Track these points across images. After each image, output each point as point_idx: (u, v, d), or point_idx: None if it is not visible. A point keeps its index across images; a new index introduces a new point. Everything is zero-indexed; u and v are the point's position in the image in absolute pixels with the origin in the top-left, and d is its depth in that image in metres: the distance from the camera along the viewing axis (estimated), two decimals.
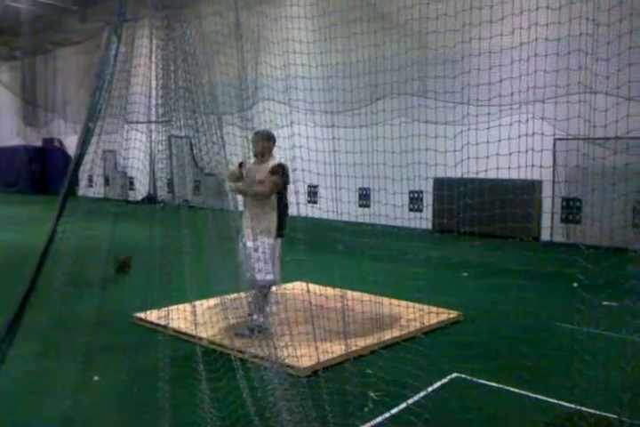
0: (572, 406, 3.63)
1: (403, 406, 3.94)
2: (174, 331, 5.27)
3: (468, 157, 6.12)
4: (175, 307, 5.32)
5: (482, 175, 6.90)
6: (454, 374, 4.57)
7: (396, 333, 5.49)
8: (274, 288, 5.63)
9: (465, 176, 7.88)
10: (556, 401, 4.00)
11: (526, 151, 5.49)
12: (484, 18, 5.45)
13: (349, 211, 10.64)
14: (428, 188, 12.98)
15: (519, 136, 5.67)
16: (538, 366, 4.83)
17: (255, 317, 5.19)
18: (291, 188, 5.62)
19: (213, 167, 5.20)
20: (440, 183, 12.67)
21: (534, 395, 4.16)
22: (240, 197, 5.55)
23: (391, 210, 9.02)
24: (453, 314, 6.19)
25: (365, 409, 3.82)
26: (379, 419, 3.75)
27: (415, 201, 14.06)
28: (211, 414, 3.22)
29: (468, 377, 4.53)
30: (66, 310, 5.38)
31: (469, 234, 10.30)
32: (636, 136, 5.56)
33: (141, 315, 5.91)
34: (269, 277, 5.27)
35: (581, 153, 10.72)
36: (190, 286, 4.29)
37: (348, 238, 9.29)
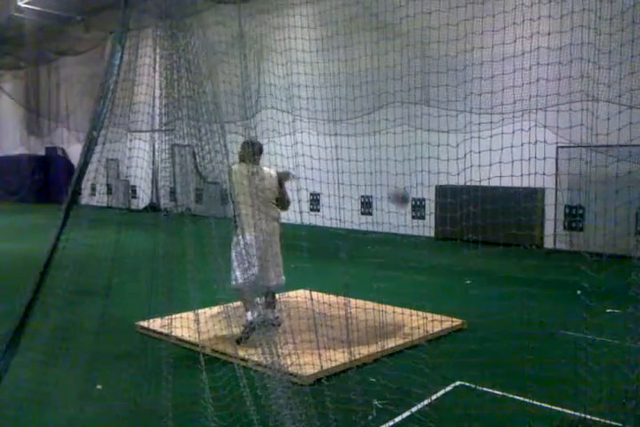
0: (577, 413, 3.61)
1: (406, 414, 3.93)
2: (177, 339, 5.27)
3: (471, 165, 6.13)
4: (178, 315, 5.32)
5: (484, 183, 6.90)
6: (458, 382, 4.55)
7: (399, 341, 5.48)
8: (277, 295, 5.66)
9: (467, 184, 7.88)
10: (560, 409, 3.99)
11: (529, 159, 5.50)
12: (486, 27, 5.49)
13: (352, 219, 10.65)
14: (430, 196, 12.98)
15: (522, 144, 5.68)
16: (542, 373, 4.82)
17: (250, 315, 5.17)
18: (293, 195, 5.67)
19: (216, 176, 5.24)
20: (442, 191, 12.69)
21: (538, 403, 4.13)
22: (244, 203, 5.51)
23: (394, 218, 9.03)
24: (457, 322, 6.17)
25: (369, 418, 3.81)
26: (384, 426, 3.74)
27: (418, 209, 14.05)
28: (214, 423, 3.20)
29: (472, 385, 4.52)
30: (69, 318, 5.38)
31: (472, 242, 10.33)
32: (638, 144, 5.57)
33: (144, 323, 5.91)
34: (283, 278, 5.55)
35: (584, 161, 10.74)
36: (193, 294, 4.30)
37: (351, 246, 9.32)
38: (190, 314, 5.11)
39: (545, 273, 9.10)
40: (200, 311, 5.31)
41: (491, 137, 6.22)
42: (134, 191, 21.54)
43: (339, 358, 4.81)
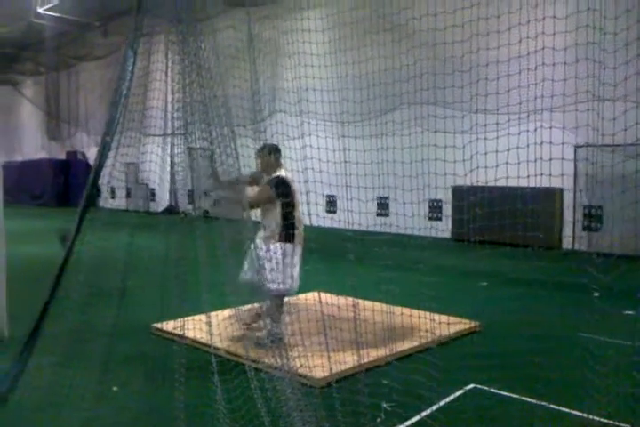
0: (589, 416, 3.59)
1: (417, 417, 3.92)
2: (191, 341, 5.32)
3: (485, 166, 6.11)
4: (191, 318, 5.38)
5: (502, 183, 6.86)
6: (471, 385, 4.54)
7: (412, 343, 5.48)
8: (286, 298, 5.66)
9: (483, 184, 7.84)
10: (571, 411, 3.95)
11: (550, 160, 5.45)
12: (491, 27, 5.48)
13: (368, 220, 10.64)
14: (447, 197, 12.94)
15: (541, 143, 5.63)
16: (555, 376, 4.78)
17: (271, 327, 5.22)
18: (302, 198, 5.65)
19: (232, 178, 5.29)
20: (459, 192, 12.63)
21: (551, 405, 4.11)
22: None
23: (410, 219, 9.00)
24: (471, 324, 6.15)
25: (378, 420, 3.82)
26: None
27: (434, 210, 14.01)
28: (226, 425, 3.24)
29: (485, 388, 4.50)
30: (84, 320, 5.46)
31: (489, 243, 10.25)
32: None
33: (158, 325, 5.97)
34: (282, 286, 5.31)
35: (602, 161, 10.63)
36: (206, 296, 4.34)
37: (366, 248, 9.31)
38: (203, 316, 5.16)
39: (562, 275, 9.02)
40: (212, 314, 5.35)
41: (508, 135, 6.17)
42: (153, 194, 21.76)
43: (349, 360, 4.82)
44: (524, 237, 10.77)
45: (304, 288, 7.08)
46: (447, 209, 13.57)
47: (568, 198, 12.08)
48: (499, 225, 9.79)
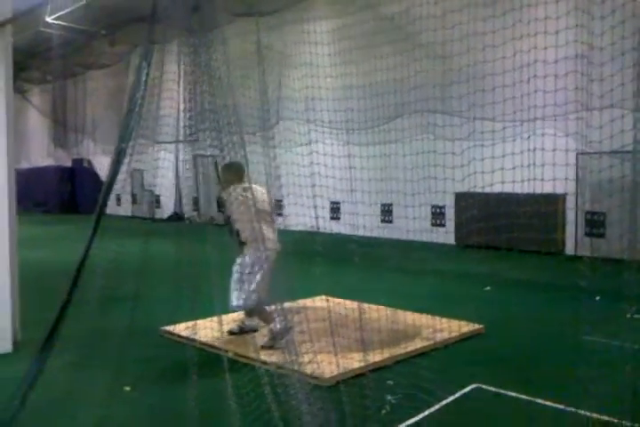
0: (588, 413, 3.70)
1: (422, 415, 4.04)
2: (201, 343, 5.44)
3: (487, 171, 6.24)
4: (202, 320, 5.52)
5: (507, 189, 6.97)
6: (474, 385, 4.65)
7: (417, 344, 5.59)
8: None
9: (487, 191, 7.98)
10: (573, 410, 4.06)
11: (553, 165, 5.58)
12: (487, 42, 5.65)
13: (372, 226, 10.79)
14: (450, 203, 13.08)
15: (542, 149, 5.76)
16: (557, 376, 4.91)
17: (272, 326, 5.39)
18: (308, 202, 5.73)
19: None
20: (462, 198, 12.76)
21: (552, 404, 4.22)
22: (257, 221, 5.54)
23: (413, 225, 9.15)
24: (475, 327, 6.25)
25: (383, 412, 3.94)
26: (402, 425, 3.86)
27: (437, 216, 14.12)
28: (237, 420, 3.36)
29: (489, 387, 4.61)
30: (97, 324, 5.60)
31: (493, 248, 10.36)
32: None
33: (169, 328, 6.10)
34: (240, 302, 5.36)
35: (604, 167, 10.74)
36: (216, 300, 4.48)
37: (371, 253, 9.45)
38: (214, 319, 5.30)
39: (565, 279, 9.11)
40: (223, 317, 5.49)
41: (513, 141, 6.31)
42: (158, 201, 21.92)
43: (356, 360, 4.94)
44: (527, 243, 10.89)
45: (313, 292, 7.22)
46: (450, 215, 13.69)
47: (571, 204, 12.19)
48: (502, 231, 9.92)
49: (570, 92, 5.05)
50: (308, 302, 6.99)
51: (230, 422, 3.57)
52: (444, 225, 13.92)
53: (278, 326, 5.22)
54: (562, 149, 6.56)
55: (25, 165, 27.76)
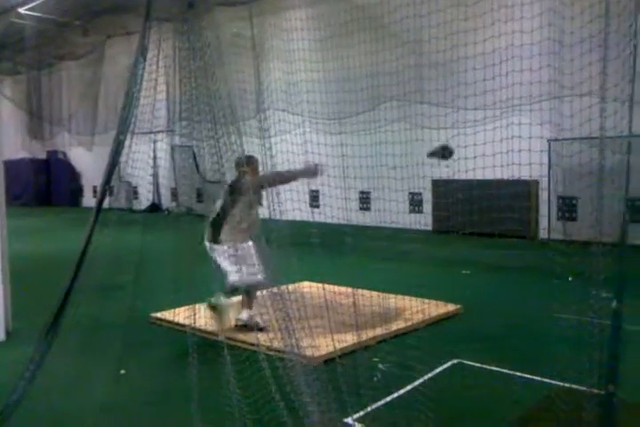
0: (561, 384, 3.99)
1: (408, 387, 4.31)
2: (196, 329, 5.63)
3: (468, 158, 6.47)
4: (193, 306, 5.70)
5: (482, 176, 7.23)
6: (455, 360, 4.93)
7: (400, 324, 5.85)
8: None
9: (462, 178, 8.24)
10: (548, 381, 4.35)
11: (527, 150, 5.83)
12: (469, 39, 5.92)
13: (350, 215, 10.98)
14: (426, 190, 13.37)
15: (512, 137, 6.02)
16: (532, 350, 5.23)
17: (245, 314, 5.73)
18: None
19: (221, 175, 5.58)
20: (438, 185, 13.06)
21: (528, 376, 4.52)
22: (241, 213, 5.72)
23: (392, 213, 9.40)
24: (454, 307, 6.55)
25: (375, 379, 4.27)
26: (387, 398, 4.12)
27: (415, 203, 14.42)
28: (236, 394, 3.57)
29: (468, 362, 4.90)
30: (91, 312, 5.75)
31: (468, 234, 10.70)
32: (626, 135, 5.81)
33: (162, 315, 6.29)
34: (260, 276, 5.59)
35: (575, 153, 11.09)
36: (209, 287, 4.68)
37: (354, 240, 9.68)
38: (203, 306, 5.50)
39: (539, 262, 9.47)
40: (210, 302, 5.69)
41: (493, 130, 6.54)
42: (135, 192, 21.89)
43: (346, 340, 5.20)
44: (503, 227, 11.22)
45: (304, 277, 7.44)
46: (428, 202, 14.00)
47: (544, 189, 12.55)
48: (478, 217, 10.22)
49: (543, 84, 5.32)
50: (291, 287, 7.20)
51: (228, 395, 3.78)
52: (421, 211, 14.22)
53: (249, 318, 5.63)
54: (535, 136, 6.83)
55: None
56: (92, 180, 23.31)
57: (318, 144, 6.69)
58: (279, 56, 8.21)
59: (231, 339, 5.31)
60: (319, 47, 9.09)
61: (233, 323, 5.79)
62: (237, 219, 5.59)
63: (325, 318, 5.64)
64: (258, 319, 5.62)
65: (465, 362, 4.91)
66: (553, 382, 4.29)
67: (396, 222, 10.37)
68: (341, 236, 6.66)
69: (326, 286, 7.09)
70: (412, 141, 7.57)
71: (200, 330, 5.62)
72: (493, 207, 10.83)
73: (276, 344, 4.29)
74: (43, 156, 26.09)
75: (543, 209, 12.62)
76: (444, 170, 7.34)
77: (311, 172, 5.63)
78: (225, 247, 5.57)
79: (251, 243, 5.70)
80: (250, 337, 5.28)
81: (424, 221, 13.68)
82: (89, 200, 23.74)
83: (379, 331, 5.57)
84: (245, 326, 5.68)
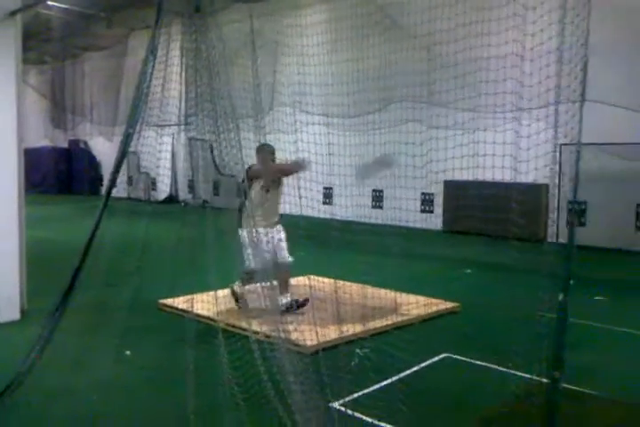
0: (536, 377, 4.16)
1: (392, 378, 4.50)
2: (196, 315, 5.87)
3: (479, 157, 6.61)
4: (199, 294, 5.96)
5: (489, 179, 7.35)
6: (444, 354, 5.12)
7: (395, 319, 6.04)
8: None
9: (473, 179, 8.36)
10: (530, 376, 4.51)
11: (536, 157, 5.95)
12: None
13: (364, 212, 11.17)
14: (438, 190, 13.51)
15: (528, 138, 6.14)
16: (517, 347, 5.37)
17: (284, 298, 6.06)
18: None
19: (232, 168, 5.81)
20: (450, 186, 13.21)
21: (513, 371, 4.68)
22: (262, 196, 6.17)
23: (403, 211, 9.56)
24: (451, 304, 6.71)
25: (352, 364, 4.49)
26: (375, 386, 4.32)
27: (426, 203, 14.56)
28: (228, 374, 3.80)
29: (457, 356, 5.08)
30: (102, 295, 6.03)
31: (477, 235, 10.80)
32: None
33: (166, 301, 6.54)
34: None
35: (587, 158, 11.16)
36: (211, 276, 4.89)
37: (362, 238, 9.88)
38: (209, 294, 5.74)
39: (543, 265, 9.57)
40: (219, 292, 5.95)
41: (504, 132, 6.68)
42: (154, 183, 22.26)
43: (338, 332, 5.40)
44: (511, 230, 11.31)
45: (306, 273, 7.65)
46: (439, 202, 14.15)
47: (554, 193, 12.61)
48: (487, 218, 10.35)
49: (550, 89, 5.43)
50: (293, 280, 7.42)
51: (222, 374, 4.00)
52: (432, 211, 14.36)
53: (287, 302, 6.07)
54: (546, 140, 6.92)
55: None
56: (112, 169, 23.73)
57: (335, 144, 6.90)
58: (296, 53, 8.40)
59: (229, 325, 5.55)
60: (335, 48, 9.27)
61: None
62: (253, 205, 5.96)
63: (326, 311, 5.84)
64: (294, 298, 6.15)
65: (453, 356, 5.09)
66: (534, 377, 4.45)
67: (407, 221, 10.54)
68: (352, 232, 6.88)
69: (330, 280, 7.29)
70: (427, 141, 7.72)
71: (201, 316, 5.89)
72: (503, 209, 10.94)
73: (267, 331, 4.48)
74: (64, 144, 26.57)
75: (552, 213, 12.69)
76: (456, 172, 7.46)
77: (301, 166, 6.09)
78: (244, 233, 5.81)
79: (264, 229, 5.91)
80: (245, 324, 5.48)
81: (434, 220, 13.83)
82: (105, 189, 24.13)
83: (375, 324, 5.76)
84: (287, 311, 5.98)
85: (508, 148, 6.15)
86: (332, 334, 5.39)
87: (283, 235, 6.28)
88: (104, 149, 24.44)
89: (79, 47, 23.93)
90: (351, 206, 8.83)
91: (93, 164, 25.78)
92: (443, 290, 7.44)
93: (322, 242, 6.83)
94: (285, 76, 10.67)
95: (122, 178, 22.67)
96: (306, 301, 6.12)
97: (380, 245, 10.60)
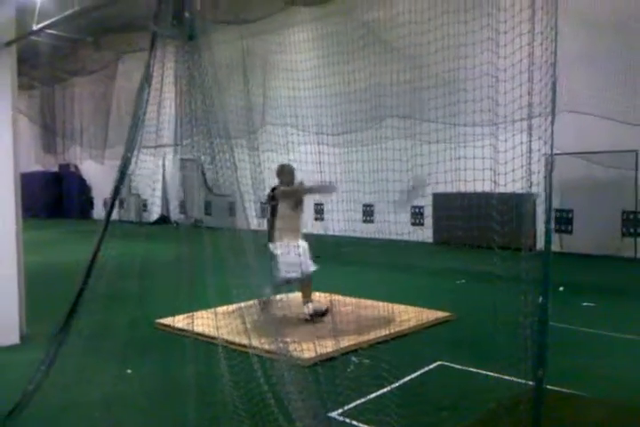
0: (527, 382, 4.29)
1: (388, 387, 4.60)
2: (196, 333, 5.97)
3: (466, 170, 6.78)
4: (196, 313, 6.06)
5: (479, 190, 7.52)
6: (439, 362, 5.25)
7: (390, 329, 6.17)
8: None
9: (461, 191, 8.54)
10: (523, 381, 4.64)
11: (521, 167, 6.14)
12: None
13: (355, 227, 11.35)
14: (428, 203, 13.70)
15: (514, 148, 6.33)
16: (512, 354, 5.50)
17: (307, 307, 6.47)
18: None
19: (227, 188, 5.94)
20: (439, 198, 13.40)
21: (506, 377, 4.81)
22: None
23: (394, 225, 9.74)
24: (445, 314, 6.86)
25: (348, 370, 4.57)
26: (372, 395, 4.44)
27: (416, 216, 14.76)
28: (229, 387, 3.91)
29: (451, 364, 5.21)
30: (102, 316, 6.11)
31: (467, 245, 10.98)
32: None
33: (165, 321, 6.64)
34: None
35: (572, 167, 11.42)
36: (210, 295, 5.02)
37: (355, 252, 10.03)
38: (207, 312, 5.87)
39: (534, 273, 9.74)
40: (218, 309, 6.07)
41: (497, 144, 6.89)
42: (145, 205, 22.36)
43: (334, 344, 5.52)
44: (501, 240, 11.49)
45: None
46: (428, 214, 14.34)
47: (542, 202, 12.82)
48: (476, 229, 10.52)
49: (536, 104, 5.61)
50: (290, 296, 7.54)
51: (222, 389, 4.11)
52: (422, 224, 14.55)
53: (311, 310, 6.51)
54: (532, 150, 7.12)
55: None
56: (103, 192, 23.82)
57: (326, 161, 7.11)
58: (286, 71, 8.61)
59: (229, 342, 5.66)
60: (324, 63, 9.48)
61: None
62: (280, 222, 6.54)
63: (324, 323, 6.14)
64: (315, 305, 6.53)
65: (447, 364, 5.22)
66: (527, 382, 4.58)
67: (398, 234, 10.69)
68: (343, 247, 7.12)
69: (328, 294, 7.44)
70: (416, 156, 7.91)
71: (199, 334, 5.99)
72: (492, 220, 11.12)
73: (271, 348, 4.60)
74: (55, 168, 26.66)
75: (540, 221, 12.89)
76: (445, 185, 7.64)
77: (328, 189, 6.67)
78: (277, 246, 6.43)
79: (289, 243, 6.42)
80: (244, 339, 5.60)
81: (425, 233, 14.00)
82: (99, 212, 24.24)
83: (371, 335, 5.89)
84: (312, 319, 6.37)
85: (497, 159, 6.35)
86: (329, 345, 5.51)
87: (307, 246, 6.74)
88: (95, 172, 24.56)
89: (68, 72, 24.14)
90: (343, 221, 8.97)
91: (84, 187, 25.88)
92: (437, 300, 7.59)
93: (315, 256, 6.97)
94: (275, 95, 10.87)
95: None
96: (327, 311, 6.51)
97: (372, 257, 10.80)
